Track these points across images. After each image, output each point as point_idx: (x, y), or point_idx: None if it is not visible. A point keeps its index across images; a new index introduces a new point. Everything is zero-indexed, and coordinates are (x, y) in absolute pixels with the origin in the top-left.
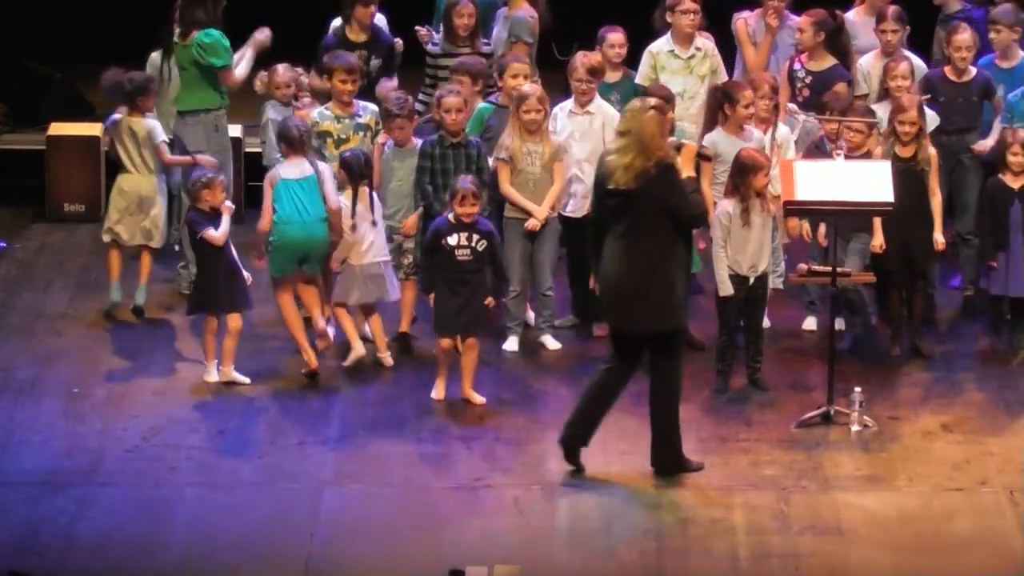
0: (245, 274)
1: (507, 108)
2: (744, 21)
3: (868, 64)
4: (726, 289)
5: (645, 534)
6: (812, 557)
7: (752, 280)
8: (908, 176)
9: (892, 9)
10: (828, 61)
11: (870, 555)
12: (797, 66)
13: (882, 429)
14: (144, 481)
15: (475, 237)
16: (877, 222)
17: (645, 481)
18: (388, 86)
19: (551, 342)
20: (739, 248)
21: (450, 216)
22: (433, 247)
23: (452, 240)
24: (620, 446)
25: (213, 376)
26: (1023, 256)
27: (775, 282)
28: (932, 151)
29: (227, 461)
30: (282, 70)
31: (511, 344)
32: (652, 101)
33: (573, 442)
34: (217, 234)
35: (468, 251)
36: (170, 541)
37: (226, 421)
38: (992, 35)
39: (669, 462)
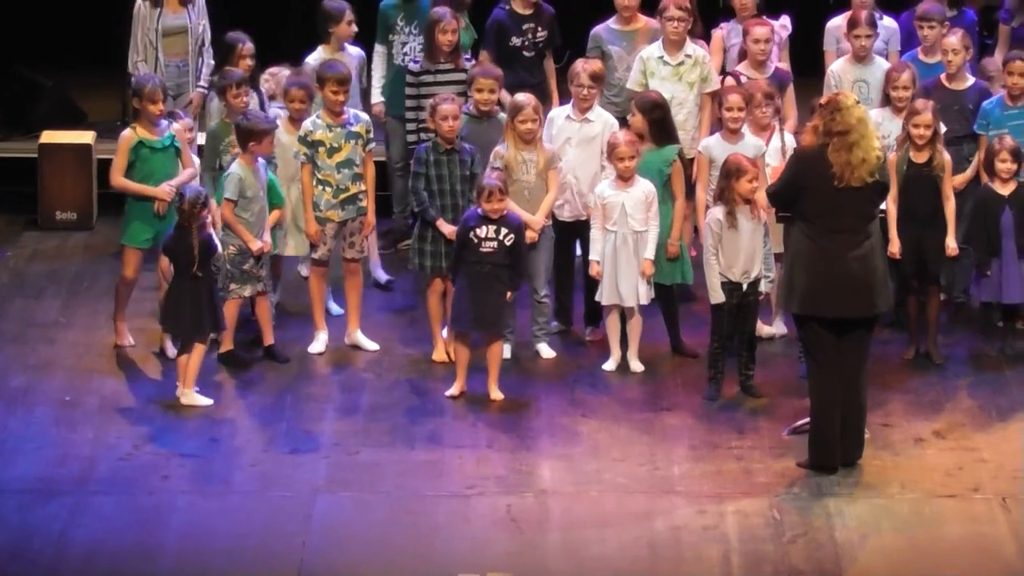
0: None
1: (480, 119)
2: (721, 29)
3: (839, 68)
4: (717, 297)
5: (637, 541)
6: (805, 564)
7: (745, 286)
8: (923, 181)
9: (865, 14)
10: (771, 67)
11: (863, 562)
12: (743, 79)
13: (874, 436)
14: (136, 489)
15: (503, 231)
16: (892, 228)
17: (637, 488)
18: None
19: (546, 350)
20: (731, 254)
21: (479, 210)
22: (463, 239)
23: (481, 232)
24: (612, 453)
25: (197, 400)
26: (1015, 263)
27: (766, 287)
28: (947, 156)
29: (219, 469)
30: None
31: (504, 351)
32: (854, 96)
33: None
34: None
35: (495, 243)
36: (162, 549)
37: (218, 429)
38: (926, 32)
39: (861, 449)
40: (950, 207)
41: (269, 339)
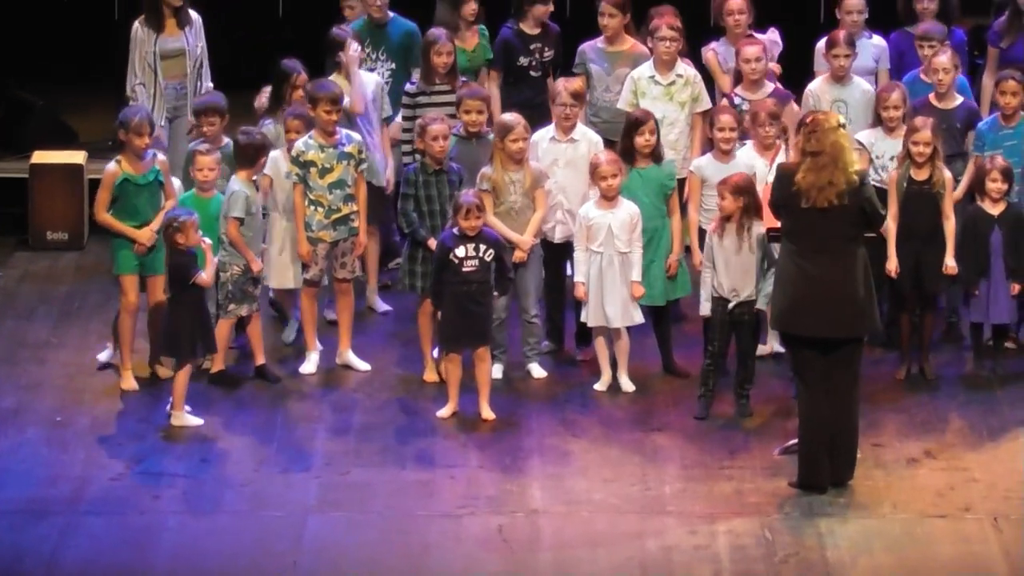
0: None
1: (469, 140)
2: (713, 51)
3: (817, 88)
4: (705, 309)
5: (629, 562)
6: None
7: (733, 304)
8: (923, 199)
9: (843, 34)
10: (767, 87)
11: None
12: (737, 100)
13: (865, 456)
14: (127, 509)
15: (482, 247)
16: (891, 246)
17: (629, 508)
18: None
19: (537, 370)
20: (720, 270)
21: (455, 230)
22: (442, 261)
23: (460, 252)
24: (603, 473)
25: (187, 420)
26: (1004, 283)
27: (763, 303)
28: (947, 174)
29: (210, 489)
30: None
31: (495, 371)
32: (839, 118)
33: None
34: (207, 277)
35: (476, 261)
36: (153, 569)
37: (209, 449)
38: (926, 51)
39: (852, 469)
40: (950, 226)
41: (260, 359)
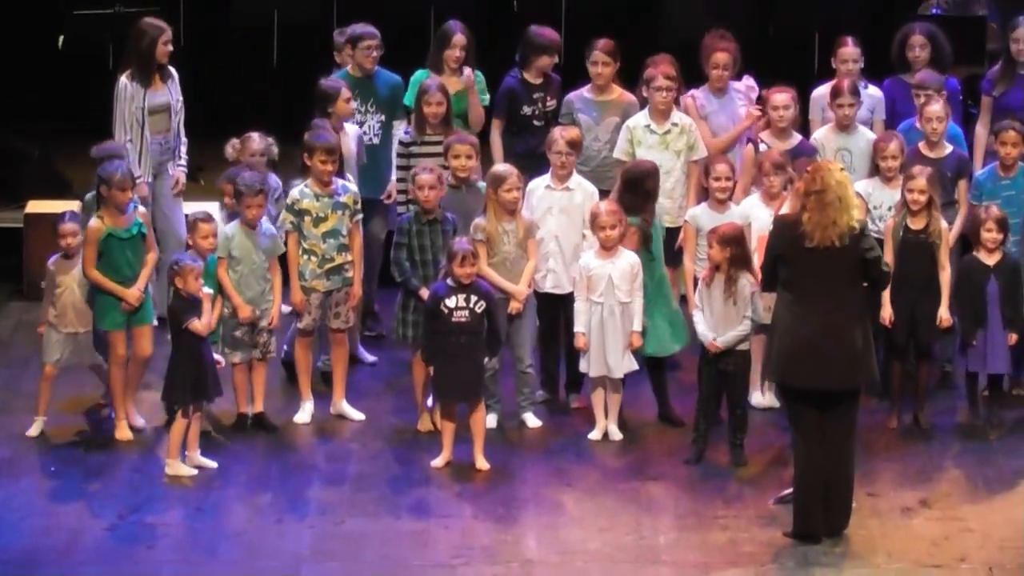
0: (217, 358)
1: (458, 187)
2: (692, 97)
3: (822, 136)
4: (707, 337)
5: None
6: None
7: (718, 353)
8: (918, 248)
9: (848, 83)
10: (795, 138)
11: None
12: (763, 147)
13: (861, 505)
14: (122, 559)
15: (473, 299)
16: (885, 295)
17: (623, 558)
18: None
19: (531, 419)
20: (706, 318)
21: (448, 280)
22: (433, 311)
23: (451, 302)
24: (598, 523)
25: (181, 470)
26: (1000, 332)
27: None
28: (944, 224)
29: (205, 539)
30: (257, 138)
31: (489, 421)
32: (840, 166)
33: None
34: (200, 324)
35: (466, 312)
36: None
37: (203, 498)
38: (922, 100)
39: (847, 519)
40: (945, 276)
41: (259, 407)
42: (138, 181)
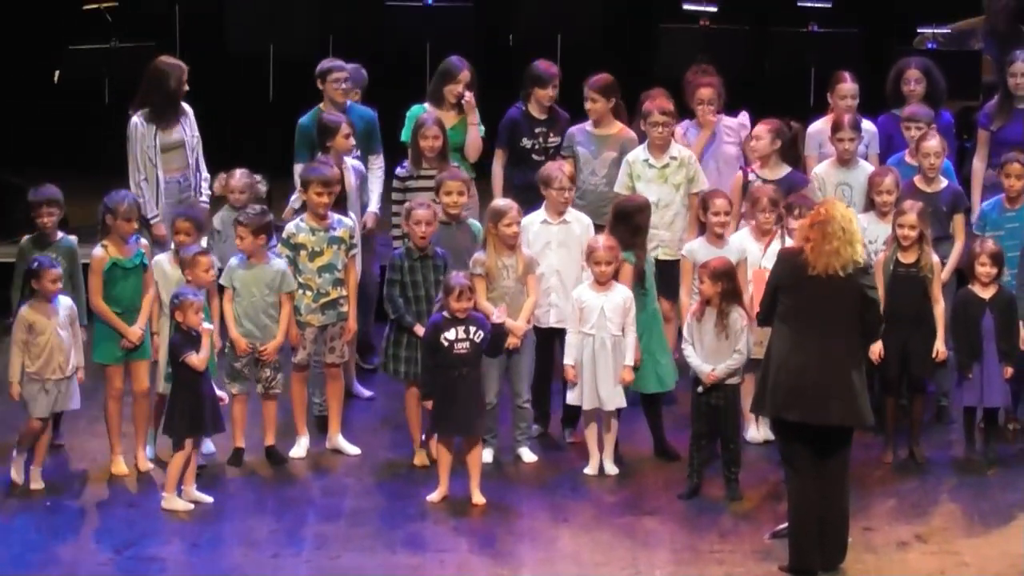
0: (220, 393)
1: (449, 223)
2: (681, 128)
3: (823, 172)
4: (703, 370)
5: None
6: None
7: (709, 388)
8: (909, 282)
9: (848, 117)
10: (783, 169)
11: None
12: (752, 176)
13: (856, 540)
14: None
15: (472, 329)
16: None
17: None
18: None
19: (527, 454)
20: (697, 352)
21: (445, 313)
22: (432, 345)
23: (451, 335)
24: (594, 558)
25: (177, 504)
26: (996, 366)
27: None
28: (935, 258)
29: (202, 573)
30: (239, 175)
31: (486, 455)
32: (845, 202)
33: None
34: (197, 359)
35: (467, 344)
36: None
37: (199, 534)
38: (913, 133)
39: (843, 554)
40: (939, 310)
41: (270, 440)
42: (154, 221)
